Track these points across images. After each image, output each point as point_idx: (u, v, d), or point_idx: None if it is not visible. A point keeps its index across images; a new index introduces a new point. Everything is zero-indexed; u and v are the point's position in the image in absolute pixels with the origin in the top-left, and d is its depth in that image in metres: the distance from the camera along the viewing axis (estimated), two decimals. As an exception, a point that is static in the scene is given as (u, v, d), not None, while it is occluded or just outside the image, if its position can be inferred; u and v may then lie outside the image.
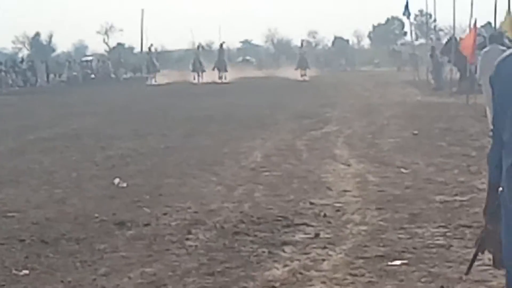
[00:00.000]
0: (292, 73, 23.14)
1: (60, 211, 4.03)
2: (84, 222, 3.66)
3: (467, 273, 1.77)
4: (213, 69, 22.50)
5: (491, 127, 1.06)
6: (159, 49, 35.00)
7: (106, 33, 46.07)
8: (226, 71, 22.50)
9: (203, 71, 22.66)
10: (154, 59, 24.75)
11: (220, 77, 22.32)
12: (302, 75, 21.55)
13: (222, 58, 22.34)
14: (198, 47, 25.31)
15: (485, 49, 5.82)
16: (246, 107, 12.12)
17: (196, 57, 23.21)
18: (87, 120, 10.82)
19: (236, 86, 21.44)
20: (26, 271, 2.66)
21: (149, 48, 25.51)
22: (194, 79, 22.82)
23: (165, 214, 3.81)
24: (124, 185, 4.80)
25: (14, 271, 2.67)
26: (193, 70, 22.82)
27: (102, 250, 2.95)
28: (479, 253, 1.08)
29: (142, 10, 29.87)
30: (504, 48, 4.38)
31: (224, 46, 24.16)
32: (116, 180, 4.89)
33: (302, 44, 22.89)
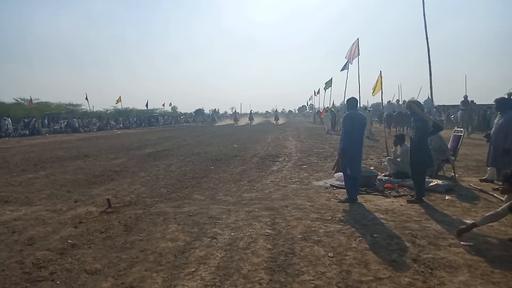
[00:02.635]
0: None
1: (217, 153, 12.06)
2: (225, 155, 11.44)
3: (333, 169, 5.95)
4: (248, 119, 46.35)
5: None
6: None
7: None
8: (253, 120, 46.96)
9: (238, 120, 49.50)
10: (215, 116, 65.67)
11: (250, 123, 45.09)
12: (276, 122, 45.05)
13: (251, 115, 47.32)
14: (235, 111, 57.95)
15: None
16: (262, 128, 34.57)
17: (235, 114, 55.64)
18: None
19: (260, 124, 38.87)
20: (212, 167, 9.73)
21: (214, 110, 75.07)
22: (234, 123, 47.43)
23: (245, 154, 11.68)
24: (236, 146, 13.29)
25: (210, 167, 9.73)
26: (234, 119, 49.33)
27: (231, 162, 10.19)
28: (336, 165, 5.47)
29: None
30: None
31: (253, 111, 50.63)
32: (235, 145, 13.57)
33: (276, 110, 55.09)
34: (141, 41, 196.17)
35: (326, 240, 3.70)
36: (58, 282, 2.95)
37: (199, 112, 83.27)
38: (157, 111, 57.89)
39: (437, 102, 27.40)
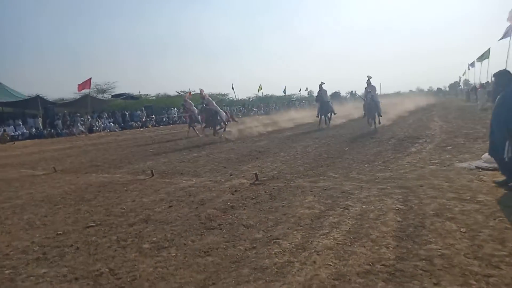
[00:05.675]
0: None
1: (352, 135, 12.97)
2: (360, 137, 11.78)
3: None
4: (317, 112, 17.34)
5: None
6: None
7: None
8: (333, 110, 17.47)
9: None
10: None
11: (321, 120, 17.22)
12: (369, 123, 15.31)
13: (322, 97, 17.26)
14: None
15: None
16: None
17: None
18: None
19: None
20: (347, 148, 9.96)
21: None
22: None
23: (382, 136, 11.85)
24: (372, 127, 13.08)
25: (345, 148, 10.05)
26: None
27: (366, 144, 10.24)
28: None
29: None
30: None
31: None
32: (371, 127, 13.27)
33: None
34: (274, 27, 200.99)
35: (460, 217, 3.70)
36: (224, 231, 3.89)
37: (336, 95, 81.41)
38: (294, 97, 60.09)
39: None
